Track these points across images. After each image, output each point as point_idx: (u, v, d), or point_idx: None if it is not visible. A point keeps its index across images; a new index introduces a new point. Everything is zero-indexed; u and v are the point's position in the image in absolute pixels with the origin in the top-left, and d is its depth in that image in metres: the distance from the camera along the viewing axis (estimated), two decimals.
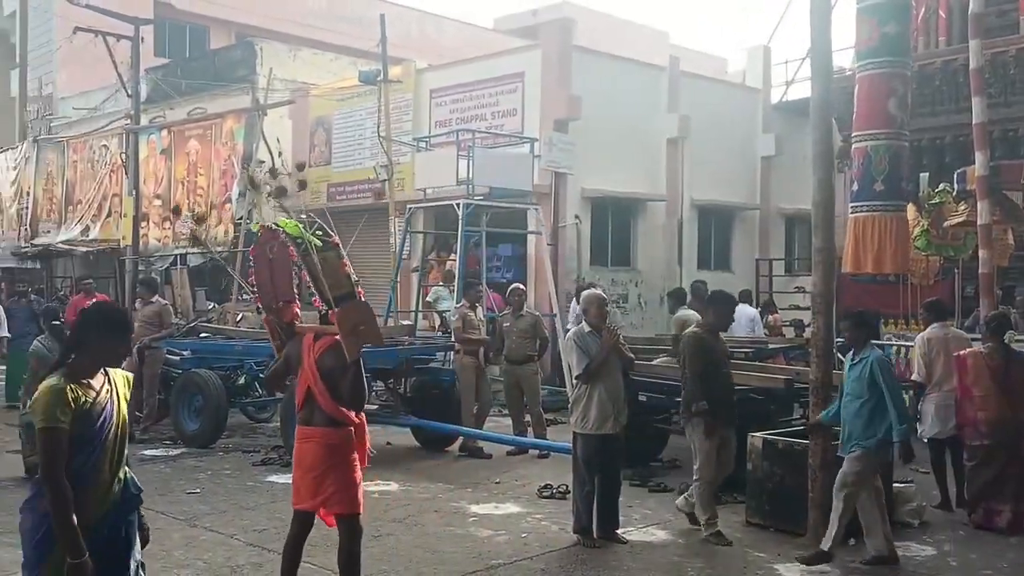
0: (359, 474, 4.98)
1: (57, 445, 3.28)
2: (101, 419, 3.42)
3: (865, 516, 6.24)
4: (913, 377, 8.00)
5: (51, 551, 3.32)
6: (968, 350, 7.37)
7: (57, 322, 9.31)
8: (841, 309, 12.79)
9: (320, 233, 5.25)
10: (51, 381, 3.39)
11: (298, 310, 5.56)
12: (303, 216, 5.37)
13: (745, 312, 13.35)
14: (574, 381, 7.04)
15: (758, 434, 7.22)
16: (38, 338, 9.17)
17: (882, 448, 6.20)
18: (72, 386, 3.36)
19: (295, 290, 5.57)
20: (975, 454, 7.25)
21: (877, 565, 6.12)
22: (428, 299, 15.15)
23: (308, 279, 5.23)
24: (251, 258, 5.96)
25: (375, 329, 5.06)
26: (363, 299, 5.12)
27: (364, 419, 5.09)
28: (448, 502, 7.86)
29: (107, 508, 3.47)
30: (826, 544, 6.19)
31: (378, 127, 16.05)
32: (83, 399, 3.38)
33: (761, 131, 19.92)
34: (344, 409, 4.91)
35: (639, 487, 8.31)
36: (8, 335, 13.40)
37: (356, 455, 4.97)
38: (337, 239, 5.33)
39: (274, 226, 5.47)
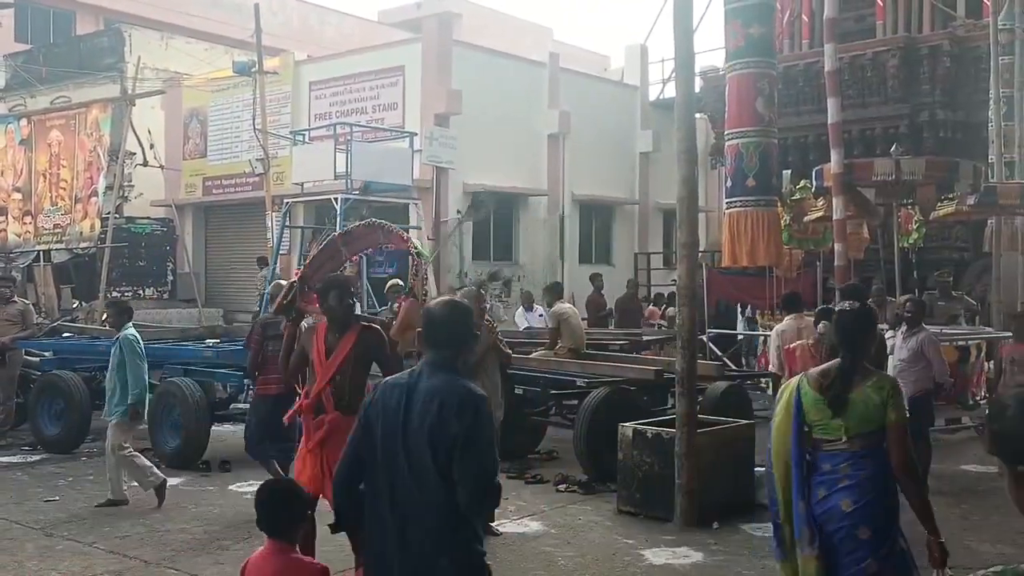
0: None
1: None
2: None
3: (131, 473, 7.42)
4: (770, 368, 8.34)
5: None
6: (796, 342, 7.66)
7: None
8: (712, 301, 13.35)
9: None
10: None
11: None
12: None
13: None
14: None
15: (628, 424, 7.40)
16: None
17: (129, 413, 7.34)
18: None
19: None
20: None
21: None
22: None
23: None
24: (324, 239, 7.06)
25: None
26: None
27: None
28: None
29: None
30: (146, 487, 7.39)
31: (254, 119, 15.67)
32: None
33: (640, 128, 20.40)
34: None
35: (516, 479, 8.38)
36: None
37: None
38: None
39: (377, 222, 6.66)
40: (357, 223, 7.63)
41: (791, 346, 7.60)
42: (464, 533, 2.85)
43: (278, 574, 3.20)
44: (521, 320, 13.52)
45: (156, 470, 7.54)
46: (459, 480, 2.77)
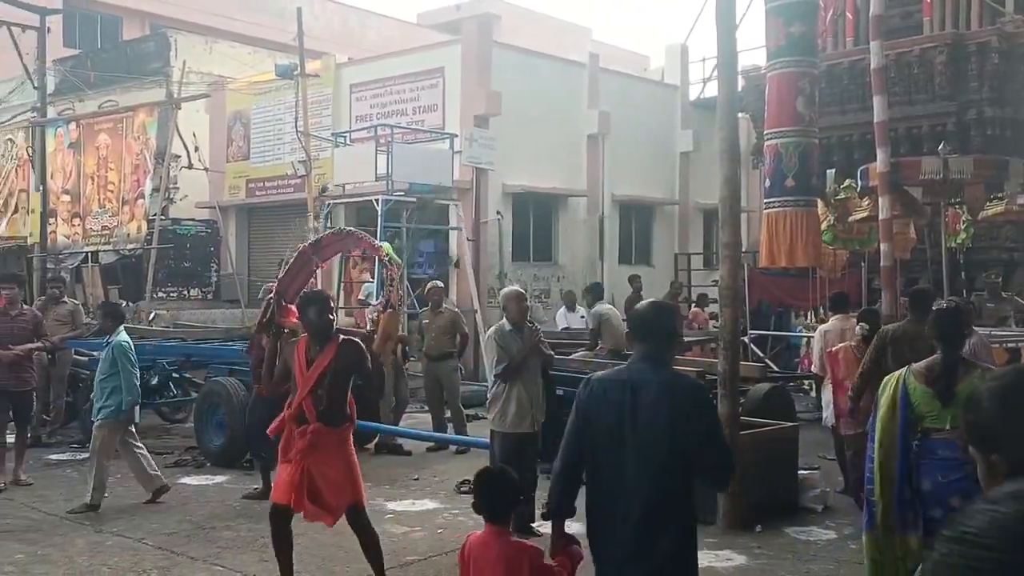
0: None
1: None
2: None
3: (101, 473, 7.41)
4: (813, 369, 8.21)
5: None
6: (839, 345, 7.53)
7: None
8: (753, 301, 13.20)
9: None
10: None
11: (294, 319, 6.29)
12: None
13: None
14: (493, 378, 7.04)
15: None
16: None
17: (119, 415, 7.42)
18: None
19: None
20: (852, 443, 7.47)
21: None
22: (360, 296, 14.90)
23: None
24: (294, 251, 7.24)
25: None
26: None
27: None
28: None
29: None
30: (88, 497, 7.28)
31: (296, 122, 15.84)
32: None
33: (680, 127, 20.26)
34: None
35: None
36: None
37: None
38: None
39: (347, 230, 7.36)
40: (327, 231, 7.75)
41: (833, 349, 7.50)
42: (687, 514, 3.19)
43: (503, 557, 3.41)
44: (562, 320, 13.50)
45: (100, 495, 7.39)
46: (706, 466, 3.15)
